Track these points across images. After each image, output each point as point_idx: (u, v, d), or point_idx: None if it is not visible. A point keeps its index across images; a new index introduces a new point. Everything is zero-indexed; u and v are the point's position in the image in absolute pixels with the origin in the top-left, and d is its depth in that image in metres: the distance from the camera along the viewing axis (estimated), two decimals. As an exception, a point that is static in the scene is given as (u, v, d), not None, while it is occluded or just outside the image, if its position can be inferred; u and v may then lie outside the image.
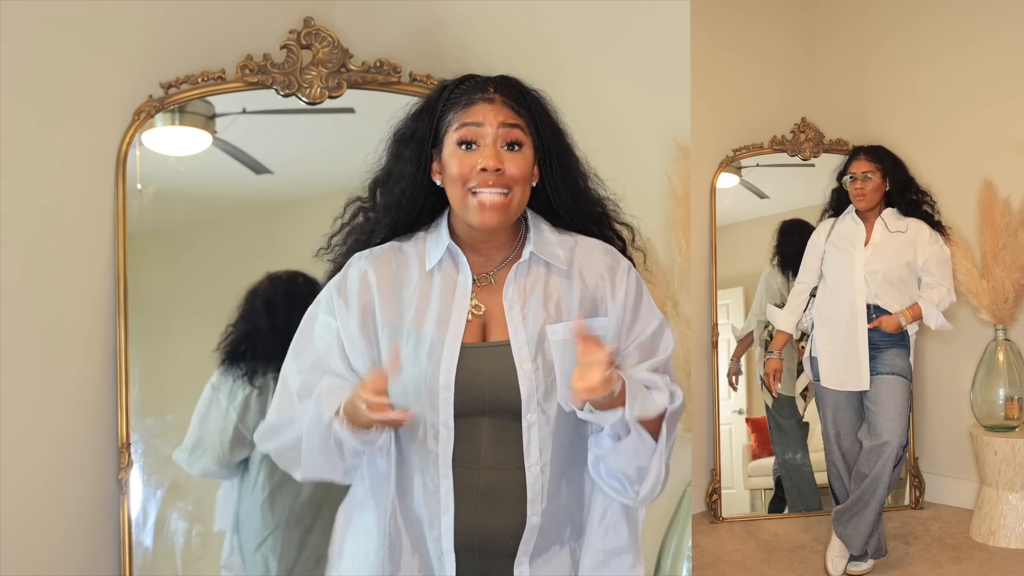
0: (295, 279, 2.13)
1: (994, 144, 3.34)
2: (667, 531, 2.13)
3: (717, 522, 3.36)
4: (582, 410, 1.19)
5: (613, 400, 1.16)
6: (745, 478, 3.46)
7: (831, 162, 3.47)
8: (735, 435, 3.46)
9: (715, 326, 3.44)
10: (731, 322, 3.48)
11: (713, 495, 3.39)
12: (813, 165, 3.53)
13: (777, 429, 3.46)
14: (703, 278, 3.47)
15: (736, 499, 3.43)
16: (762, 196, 3.56)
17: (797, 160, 3.55)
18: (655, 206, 2.44)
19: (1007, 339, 3.12)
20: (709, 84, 3.45)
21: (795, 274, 3.29)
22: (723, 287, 3.47)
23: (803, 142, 3.53)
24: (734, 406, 3.46)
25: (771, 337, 3.41)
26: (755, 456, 3.47)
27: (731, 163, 3.51)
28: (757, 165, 3.54)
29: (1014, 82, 3.31)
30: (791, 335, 2.97)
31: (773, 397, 2.96)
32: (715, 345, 3.43)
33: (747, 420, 3.46)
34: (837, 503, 2.89)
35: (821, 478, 3.43)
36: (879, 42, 3.71)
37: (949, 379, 3.43)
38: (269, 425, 1.32)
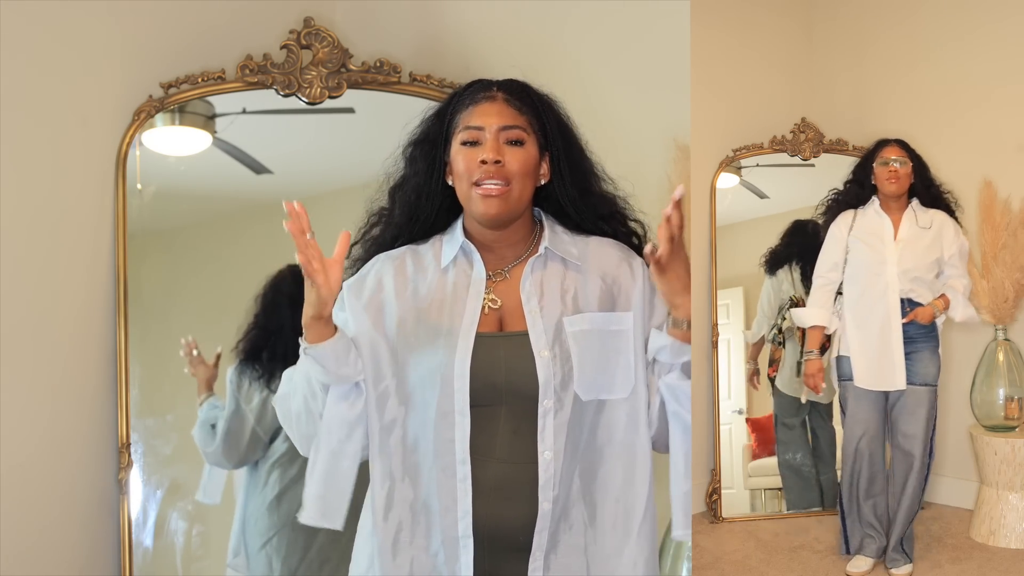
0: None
1: (994, 144, 3.34)
2: (667, 531, 2.13)
3: (717, 522, 3.36)
4: (663, 331, 1.30)
5: (687, 334, 1.28)
6: (745, 478, 3.46)
7: (831, 162, 3.47)
8: (735, 435, 3.46)
9: (715, 326, 3.44)
10: (731, 322, 3.48)
11: (713, 495, 3.40)
12: (813, 165, 3.53)
13: (783, 428, 3.46)
14: (703, 278, 3.47)
15: (736, 499, 3.43)
16: (762, 196, 3.56)
17: (797, 160, 3.54)
18: (655, 206, 2.44)
19: (1007, 339, 3.12)
20: (709, 84, 3.45)
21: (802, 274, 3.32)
22: (723, 287, 3.47)
23: (803, 142, 3.53)
24: (734, 406, 3.46)
25: (780, 332, 3.42)
26: (755, 456, 3.47)
27: (731, 163, 3.51)
28: (757, 165, 3.54)
29: (1014, 83, 3.31)
30: (825, 328, 2.86)
31: (818, 394, 2.89)
32: (715, 345, 3.43)
33: (747, 420, 3.46)
34: (842, 503, 2.91)
35: (824, 478, 3.44)
36: (879, 42, 3.71)
37: (949, 379, 3.42)
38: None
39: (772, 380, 3.44)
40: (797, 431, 3.45)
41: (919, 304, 2.73)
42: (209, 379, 2.13)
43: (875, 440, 2.82)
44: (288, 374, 1.39)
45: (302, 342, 1.28)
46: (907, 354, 2.74)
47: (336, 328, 1.28)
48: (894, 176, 2.77)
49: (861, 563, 2.83)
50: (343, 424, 1.32)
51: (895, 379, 2.73)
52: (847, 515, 2.91)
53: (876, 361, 2.75)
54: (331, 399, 1.32)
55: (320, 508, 1.31)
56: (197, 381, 2.13)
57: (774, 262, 3.46)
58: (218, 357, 2.14)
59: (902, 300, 2.74)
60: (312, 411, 1.34)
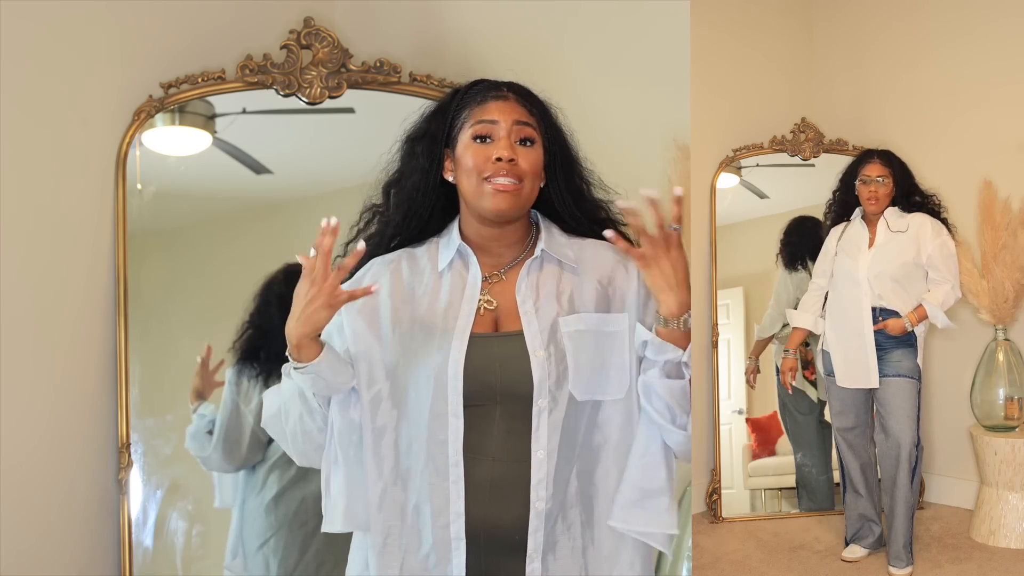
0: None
1: (994, 144, 3.34)
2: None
3: (717, 522, 3.36)
4: (650, 329, 1.28)
5: (676, 334, 1.25)
6: (745, 478, 3.46)
7: (831, 162, 3.47)
8: (735, 435, 3.46)
9: (715, 326, 3.44)
10: (731, 322, 3.48)
11: (713, 495, 3.40)
12: (813, 165, 3.53)
13: (794, 425, 3.46)
14: (703, 278, 3.47)
15: (736, 499, 3.43)
16: (762, 196, 3.56)
17: (797, 160, 3.54)
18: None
19: (1007, 339, 3.12)
20: (709, 84, 3.45)
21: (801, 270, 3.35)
22: (723, 287, 3.47)
23: (803, 142, 3.53)
24: (734, 406, 3.46)
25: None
26: (755, 456, 3.47)
27: (731, 163, 3.51)
28: (757, 165, 3.54)
29: (1014, 83, 3.31)
30: (806, 332, 3.02)
31: (789, 393, 3.03)
32: (715, 345, 3.43)
33: (747, 420, 3.46)
34: (844, 494, 3.00)
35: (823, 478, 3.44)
36: (879, 42, 3.71)
37: (949, 379, 3.43)
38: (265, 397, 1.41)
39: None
40: (812, 426, 3.45)
41: (894, 312, 2.77)
42: (205, 389, 2.13)
43: (858, 432, 2.92)
44: (272, 395, 1.39)
45: (288, 367, 1.28)
46: (880, 359, 2.80)
47: (322, 342, 1.27)
48: (873, 196, 2.86)
49: (856, 551, 2.92)
50: (354, 430, 1.32)
51: (869, 379, 2.81)
52: (846, 506, 3.01)
53: (851, 363, 2.85)
54: (335, 410, 1.32)
55: (348, 519, 1.31)
56: (192, 388, 2.13)
57: (792, 256, 3.45)
58: (219, 364, 2.13)
59: (876, 308, 2.79)
60: (309, 429, 1.34)
